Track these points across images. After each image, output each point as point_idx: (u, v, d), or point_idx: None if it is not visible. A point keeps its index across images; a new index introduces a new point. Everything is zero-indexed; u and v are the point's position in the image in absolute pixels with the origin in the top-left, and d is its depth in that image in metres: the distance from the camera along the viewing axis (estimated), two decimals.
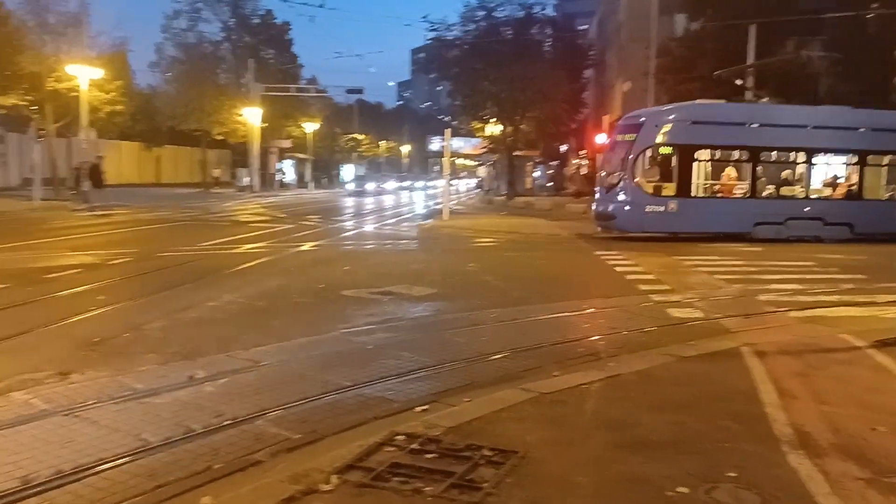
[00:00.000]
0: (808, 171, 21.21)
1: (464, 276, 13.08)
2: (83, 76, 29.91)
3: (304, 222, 24.92)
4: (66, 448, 4.57)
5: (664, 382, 5.96)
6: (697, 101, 21.74)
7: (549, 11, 50.30)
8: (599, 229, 21.33)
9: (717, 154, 21.02)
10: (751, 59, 26.96)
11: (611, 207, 20.40)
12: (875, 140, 21.49)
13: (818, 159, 22.09)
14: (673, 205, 19.70)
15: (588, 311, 9.95)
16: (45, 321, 8.12)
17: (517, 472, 4.05)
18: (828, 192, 21.70)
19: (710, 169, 21.18)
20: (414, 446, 4.38)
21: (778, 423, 4.92)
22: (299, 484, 3.84)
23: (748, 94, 25.52)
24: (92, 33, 34.57)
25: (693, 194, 20.24)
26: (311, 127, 62.57)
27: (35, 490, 4.03)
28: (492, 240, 19.71)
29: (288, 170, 66.97)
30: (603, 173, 21.91)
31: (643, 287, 11.66)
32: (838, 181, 22.08)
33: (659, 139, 20.01)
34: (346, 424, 5.02)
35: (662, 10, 36.63)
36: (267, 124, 52.55)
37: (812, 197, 21.09)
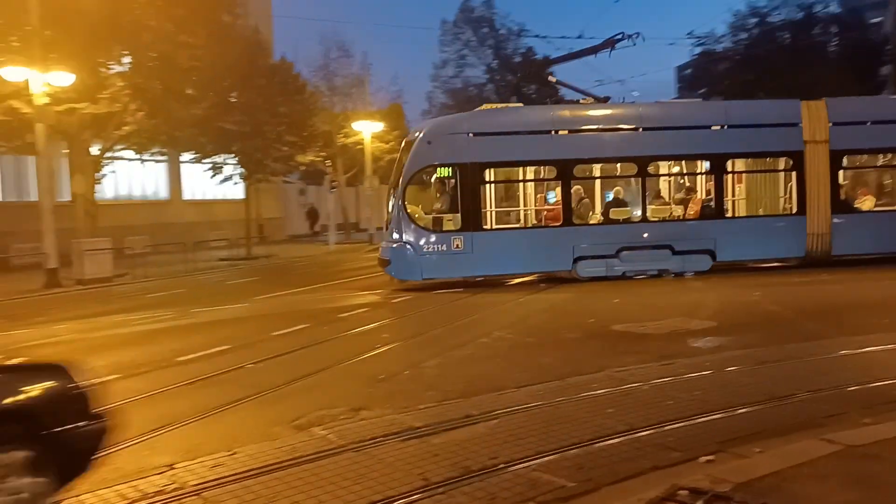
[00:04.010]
0: (643, 185, 16.17)
1: (746, 306, 12.08)
2: (366, 130, 33.18)
3: None
4: (358, 484, 4.86)
5: None
6: (483, 107, 17.24)
7: (833, 8, 45.71)
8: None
9: (514, 172, 16.66)
10: None
11: (384, 249, 16.26)
12: (736, 140, 16.38)
13: (657, 169, 17.05)
14: (458, 241, 15.27)
15: None
16: (339, 359, 8.88)
17: None
18: (677, 210, 16.82)
19: (505, 192, 16.91)
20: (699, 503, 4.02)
21: None
22: None
23: None
24: (372, 91, 38.22)
25: (484, 226, 15.72)
26: None
27: None
28: (774, 263, 17.98)
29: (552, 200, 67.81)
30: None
31: None
32: (690, 196, 16.96)
33: (435, 158, 15.73)
34: (622, 474, 4.76)
35: None
36: None
37: (653, 219, 16.18)
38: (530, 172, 16.77)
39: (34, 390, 4.13)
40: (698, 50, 45.81)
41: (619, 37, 19.13)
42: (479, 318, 11.84)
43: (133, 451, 5.76)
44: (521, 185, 17.04)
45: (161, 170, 34.38)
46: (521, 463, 5.08)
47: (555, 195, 16.63)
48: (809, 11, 42.84)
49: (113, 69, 23.10)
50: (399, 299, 14.24)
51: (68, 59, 19.42)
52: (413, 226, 15.49)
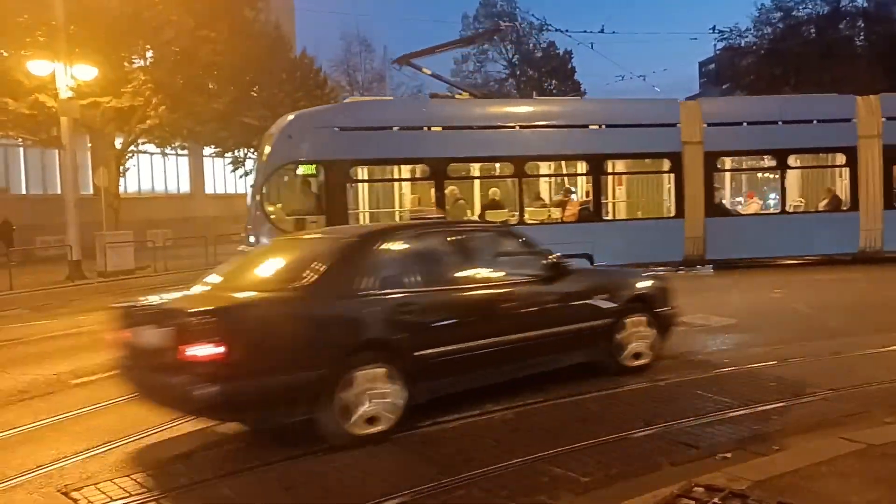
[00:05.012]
0: (520, 186, 15.41)
1: (768, 303, 11.96)
2: None
3: None
4: (374, 477, 4.87)
5: None
6: (351, 100, 16.15)
7: (861, 2, 45.02)
8: None
9: (385, 171, 15.64)
10: None
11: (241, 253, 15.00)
12: (615, 140, 15.73)
13: (535, 170, 16.32)
14: None
15: None
16: None
17: None
18: (555, 213, 16.11)
19: (374, 193, 15.84)
20: (715, 501, 3.98)
21: None
22: None
23: None
24: (393, 86, 38.32)
25: None
26: None
27: None
28: (792, 261, 17.61)
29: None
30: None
31: None
32: (568, 199, 16.26)
33: (297, 154, 14.38)
34: (638, 470, 4.73)
35: None
36: None
37: (531, 222, 15.42)
38: (402, 171, 15.76)
39: (649, 284, 7.76)
40: (722, 45, 45.36)
41: (497, 27, 18.39)
42: None
43: (152, 440, 5.82)
44: (392, 184, 16.10)
45: (183, 164, 34.70)
46: (537, 456, 5.05)
47: (415, 195, 15.73)
48: (836, 6, 42.23)
49: (136, 63, 23.32)
50: None
51: (92, 53, 19.67)
52: (271, 228, 13.91)
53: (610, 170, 16.32)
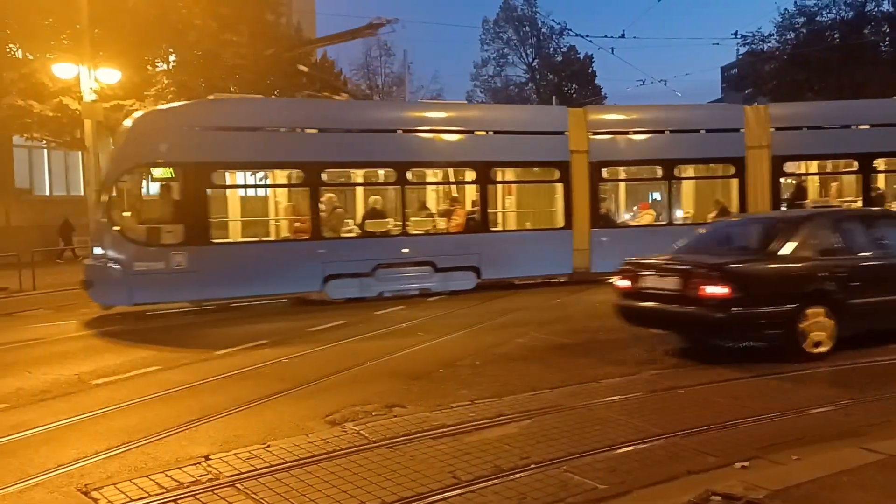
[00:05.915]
0: (402, 193, 14.42)
1: None
2: None
3: None
4: (389, 480, 4.88)
5: None
6: (215, 97, 14.91)
7: (885, 7, 44.50)
8: None
9: (250, 176, 14.83)
10: None
11: (85, 267, 13.27)
12: (502, 147, 14.97)
13: (419, 177, 15.38)
14: (181, 258, 12.61)
15: None
16: (374, 356, 8.94)
17: None
18: (441, 223, 15.27)
19: (241, 199, 14.81)
20: None
21: None
22: None
23: None
24: (412, 89, 38.44)
25: (213, 240, 13.15)
26: None
27: None
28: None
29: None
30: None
31: None
32: (454, 208, 15.40)
33: (150, 156, 12.88)
34: (656, 477, 4.70)
35: None
36: None
37: (414, 232, 14.55)
38: (273, 176, 14.79)
39: None
40: (744, 49, 45.03)
41: (379, 21, 17.68)
42: (515, 319, 11.80)
43: (170, 441, 5.88)
44: (260, 190, 15.16)
45: None
46: (552, 463, 5.04)
47: (289, 201, 14.73)
48: (860, 10, 41.75)
49: (159, 67, 23.57)
50: (434, 298, 14.27)
51: (116, 56, 19.91)
52: (120, 238, 12.65)
53: (499, 178, 15.69)
